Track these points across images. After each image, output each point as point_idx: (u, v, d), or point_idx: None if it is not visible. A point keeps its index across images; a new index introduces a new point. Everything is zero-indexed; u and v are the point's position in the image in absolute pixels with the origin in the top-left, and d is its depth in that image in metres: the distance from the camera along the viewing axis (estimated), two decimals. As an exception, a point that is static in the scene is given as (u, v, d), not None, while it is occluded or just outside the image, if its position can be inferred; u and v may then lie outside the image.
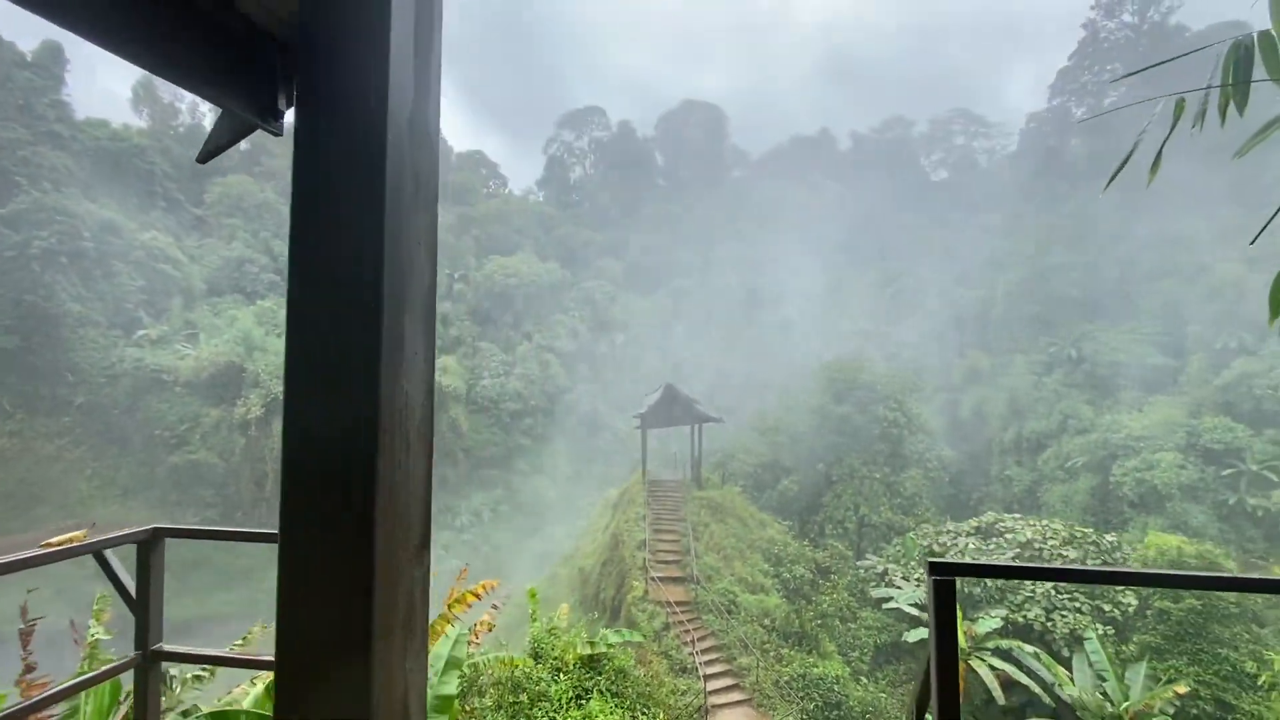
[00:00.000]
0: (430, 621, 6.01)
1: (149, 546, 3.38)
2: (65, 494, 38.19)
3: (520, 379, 56.57)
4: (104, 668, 3.29)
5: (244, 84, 2.01)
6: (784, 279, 76.05)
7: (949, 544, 22.14)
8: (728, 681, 14.73)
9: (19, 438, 38.26)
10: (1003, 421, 45.73)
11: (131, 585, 3.31)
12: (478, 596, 6.00)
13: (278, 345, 45.69)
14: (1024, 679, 16.57)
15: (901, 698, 16.84)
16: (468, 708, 6.45)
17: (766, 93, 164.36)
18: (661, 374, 55.51)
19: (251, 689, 4.57)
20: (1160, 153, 2.43)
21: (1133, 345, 43.78)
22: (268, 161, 66.70)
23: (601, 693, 7.47)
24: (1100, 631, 17.25)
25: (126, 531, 3.28)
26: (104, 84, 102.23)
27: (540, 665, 7.66)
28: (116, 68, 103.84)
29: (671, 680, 13.46)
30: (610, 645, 8.18)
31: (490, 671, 7.11)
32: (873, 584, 21.95)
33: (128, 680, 3.57)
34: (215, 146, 2.28)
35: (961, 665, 17.15)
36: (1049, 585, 18.81)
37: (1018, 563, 19.05)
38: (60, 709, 4.15)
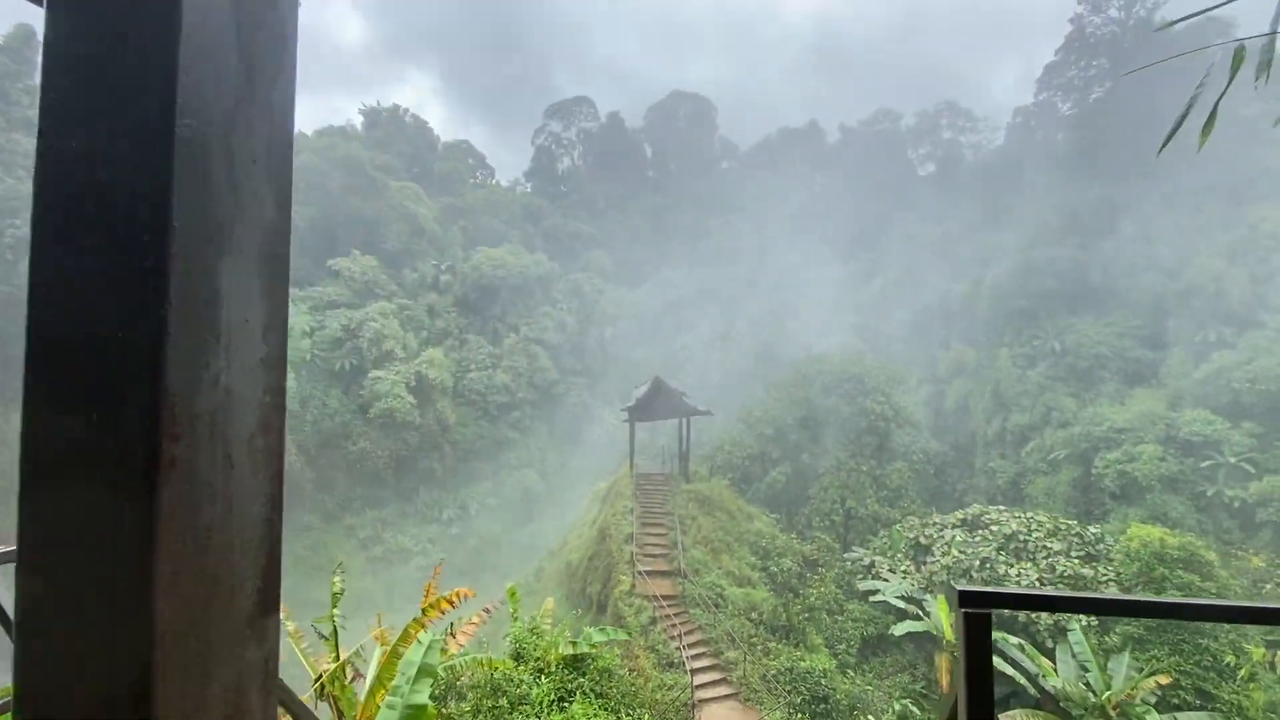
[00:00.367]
0: (404, 626, 5.89)
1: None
2: (42, 489, 37.50)
3: (508, 371, 56.19)
4: None
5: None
6: (771, 271, 76.16)
7: (935, 536, 22.28)
8: (715, 676, 14.71)
9: (-7, 431, 37.46)
10: (987, 414, 46.12)
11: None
12: (452, 604, 5.84)
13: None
14: (1009, 669, 16.71)
15: (889, 690, 16.95)
16: (445, 711, 6.29)
17: (755, 84, 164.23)
18: (650, 367, 55.41)
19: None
20: (1215, 110, 2.28)
21: (1114, 339, 44.29)
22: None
23: (585, 694, 7.32)
24: (1083, 622, 17.43)
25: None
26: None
27: (521, 667, 7.47)
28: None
29: (658, 675, 13.41)
30: (594, 645, 8.00)
31: (469, 674, 6.93)
32: (859, 576, 22.06)
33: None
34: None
35: (947, 657, 17.29)
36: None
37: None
38: None
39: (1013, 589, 1.73)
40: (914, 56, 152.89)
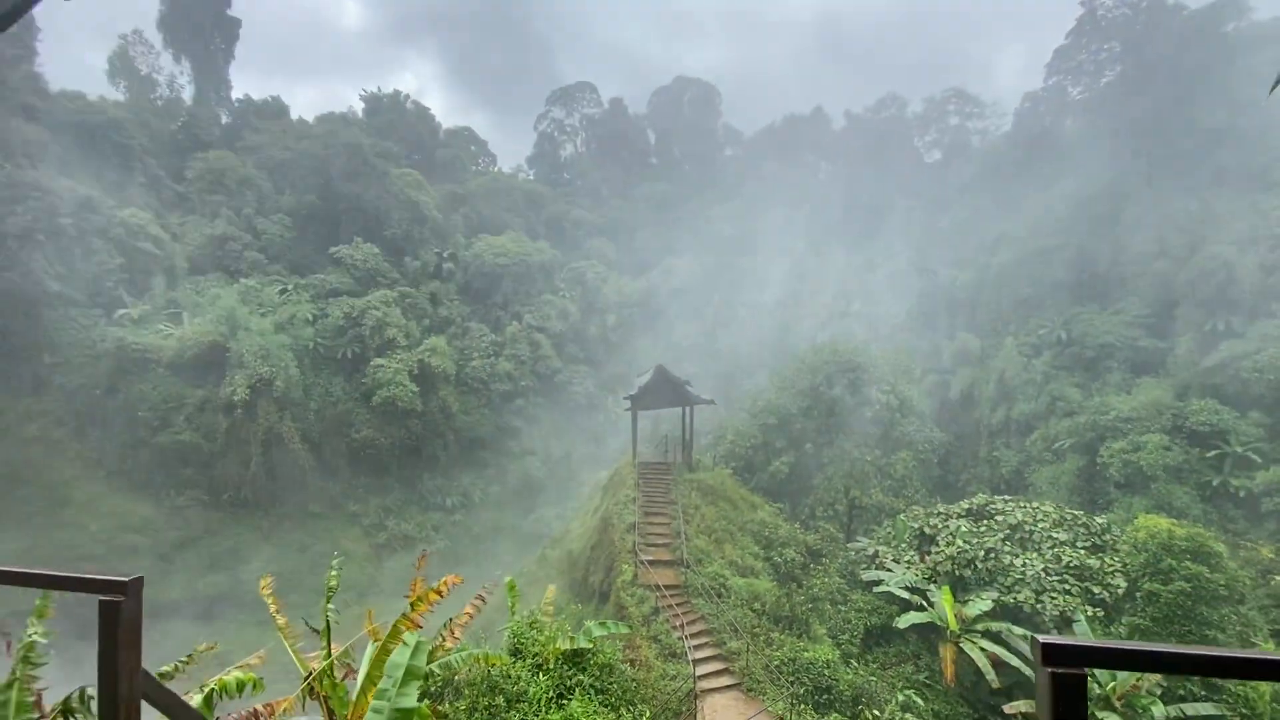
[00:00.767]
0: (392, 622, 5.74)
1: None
2: (49, 475, 37.56)
3: (510, 359, 56.04)
4: None
5: None
6: (776, 260, 75.64)
7: (940, 526, 22.14)
8: (718, 666, 14.64)
9: (-2, 418, 37.53)
10: (991, 403, 45.86)
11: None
12: (440, 594, 5.68)
13: (262, 324, 44.87)
14: (1014, 660, 16.64)
15: (892, 680, 16.88)
16: (441, 709, 6.14)
17: (760, 70, 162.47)
18: (653, 355, 55.22)
19: (191, 700, 4.25)
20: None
21: (1122, 327, 43.88)
22: (250, 137, 65.01)
23: (585, 690, 7.17)
24: (1089, 613, 17.32)
25: None
26: (77, 55, 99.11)
27: (519, 663, 7.31)
28: (91, 38, 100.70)
29: (661, 665, 13.33)
30: (593, 640, 7.83)
31: (465, 671, 6.77)
32: (863, 566, 21.95)
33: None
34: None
35: (952, 648, 17.20)
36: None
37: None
38: None
39: (1112, 643, 1.41)
40: (921, 42, 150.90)
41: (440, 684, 6.75)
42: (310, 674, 5.33)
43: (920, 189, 79.30)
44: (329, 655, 5.69)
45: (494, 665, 6.89)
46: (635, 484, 24.07)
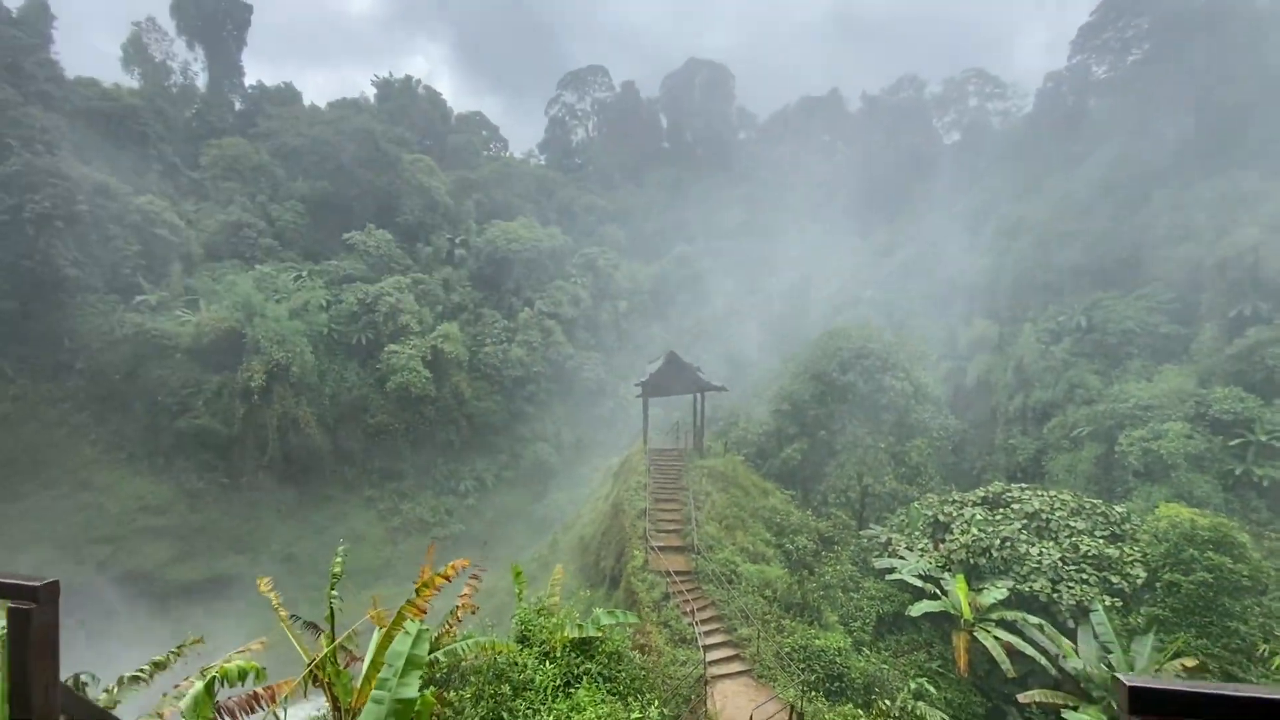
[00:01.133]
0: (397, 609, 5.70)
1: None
2: (70, 459, 38.31)
3: (522, 346, 56.10)
4: None
5: None
6: (790, 244, 74.92)
7: (954, 514, 21.90)
8: (728, 652, 14.62)
9: (22, 402, 38.22)
10: (1008, 390, 45.21)
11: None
12: (447, 579, 5.61)
13: (277, 311, 45.20)
14: (1028, 650, 16.46)
15: (904, 668, 16.78)
16: (447, 696, 6.10)
17: (774, 51, 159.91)
18: (664, 341, 55.05)
19: (191, 688, 4.22)
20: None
21: (1144, 313, 42.91)
22: (263, 123, 65.17)
23: (593, 678, 7.11)
24: (1107, 603, 17.06)
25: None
26: (92, 42, 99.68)
27: (526, 650, 7.26)
28: (104, 24, 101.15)
29: (671, 651, 13.32)
30: (601, 628, 7.76)
31: (471, 658, 6.72)
32: (876, 554, 21.79)
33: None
34: None
35: (965, 636, 17.05)
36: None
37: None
38: None
39: (1211, 686, 1.09)
40: (940, 21, 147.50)
41: (445, 671, 6.72)
42: (313, 660, 5.31)
43: (938, 172, 77.89)
44: (332, 642, 5.66)
45: (501, 653, 6.86)
46: (646, 470, 24.04)
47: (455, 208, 66.15)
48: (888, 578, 20.21)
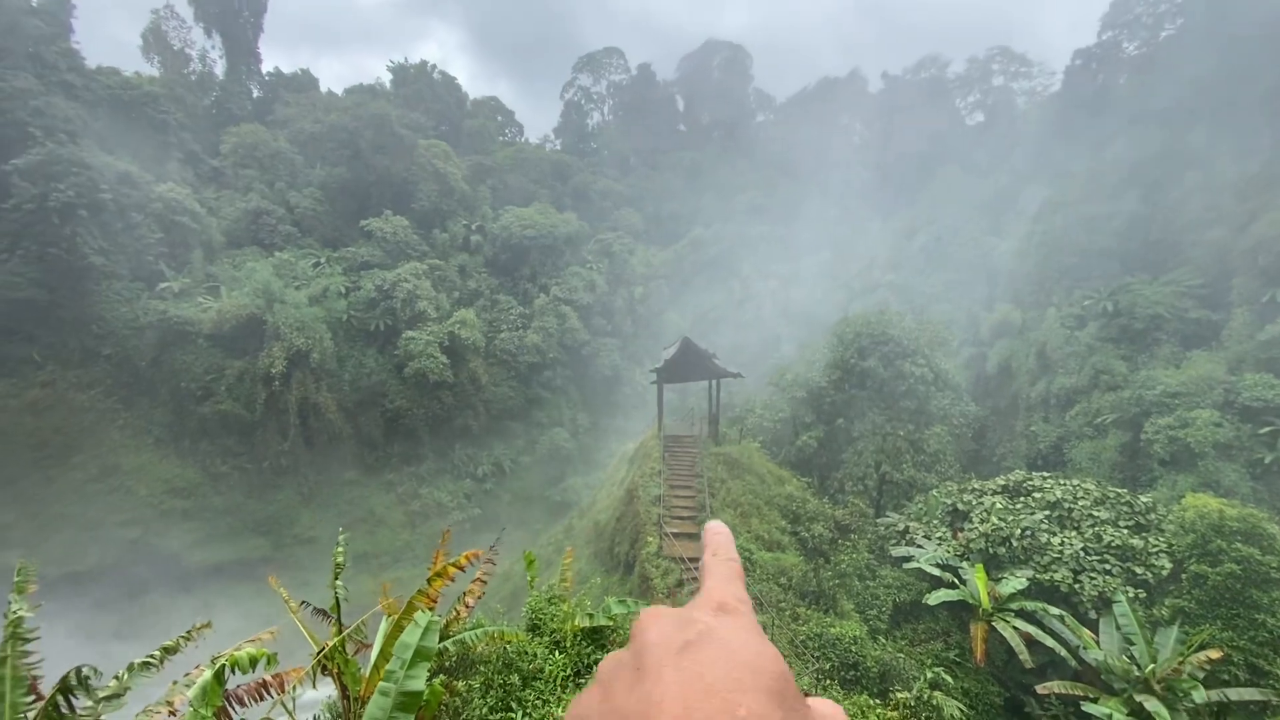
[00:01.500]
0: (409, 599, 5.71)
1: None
2: (99, 443, 39.22)
3: (538, 332, 56.22)
4: None
5: None
6: (808, 228, 73.97)
7: (974, 502, 21.60)
8: (743, 639, 14.57)
9: (51, 388, 39.10)
10: (1031, 376, 44.46)
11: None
12: (460, 568, 5.58)
13: (297, 297, 45.67)
14: (1048, 640, 16.24)
15: (921, 657, 16.65)
16: (456, 686, 6.10)
17: (792, 31, 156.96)
18: (679, 327, 54.82)
19: (200, 676, 4.22)
20: None
21: (1174, 298, 41.78)
22: (281, 110, 65.48)
23: (605, 669, 7.02)
24: (1130, 594, 16.75)
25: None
26: (111, 31, 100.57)
27: (537, 640, 7.23)
28: (122, 13, 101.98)
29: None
30: (612, 616, 7.70)
31: (482, 647, 6.70)
32: (893, 542, 21.60)
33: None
34: None
35: (983, 626, 16.87)
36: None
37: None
38: None
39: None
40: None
41: (455, 660, 6.72)
42: (322, 649, 5.34)
43: (961, 153, 76.23)
44: (339, 631, 5.69)
45: (510, 642, 6.84)
46: (661, 457, 24.00)
47: (471, 194, 66.13)
48: (905, 566, 20.02)
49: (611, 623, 7.49)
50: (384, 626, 5.70)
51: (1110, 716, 13.73)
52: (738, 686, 0.49)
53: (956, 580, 18.65)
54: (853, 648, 14.29)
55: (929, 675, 13.94)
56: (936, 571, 18.93)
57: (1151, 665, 14.89)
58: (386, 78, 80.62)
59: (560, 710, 5.69)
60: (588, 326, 59.51)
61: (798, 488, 23.37)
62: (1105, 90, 64.14)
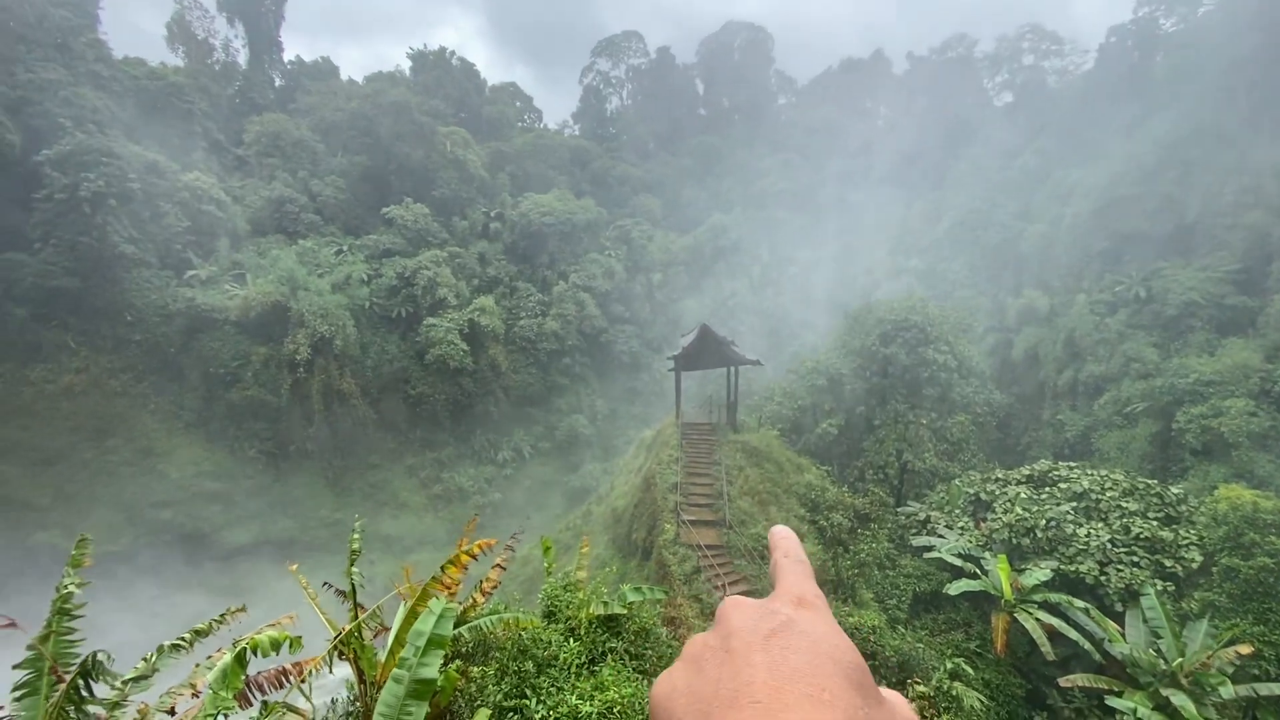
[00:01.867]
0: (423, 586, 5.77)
1: None
2: (132, 427, 40.32)
3: (557, 319, 56.37)
4: None
5: None
6: (830, 213, 72.87)
7: (997, 492, 21.26)
8: (760, 627, 14.56)
9: (86, 374, 40.20)
10: (1058, 364, 43.55)
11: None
12: (474, 557, 5.60)
13: (320, 285, 46.26)
14: (1071, 633, 15.98)
15: (941, 648, 16.51)
16: (471, 672, 6.16)
17: (815, 12, 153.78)
18: (698, 314, 54.53)
19: (221, 659, 4.29)
20: None
21: (1209, 284, 40.44)
22: (303, 98, 66.00)
23: (618, 656, 7.09)
24: (1159, 587, 16.39)
25: None
26: (134, 21, 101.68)
27: (552, 627, 7.26)
28: (145, 3, 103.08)
29: (701, 624, 13.35)
30: (627, 605, 7.70)
31: (499, 633, 6.75)
32: (913, 531, 21.38)
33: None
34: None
35: (1005, 617, 16.66)
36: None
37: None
38: None
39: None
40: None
41: (471, 646, 6.79)
42: (338, 634, 5.42)
43: (988, 135, 74.23)
44: (355, 617, 5.77)
45: (525, 629, 6.88)
46: (679, 444, 23.97)
47: (490, 181, 66.18)
48: (926, 556, 19.82)
49: (626, 611, 7.50)
50: (400, 612, 5.78)
51: (1135, 710, 13.50)
52: (821, 673, 0.53)
53: (978, 571, 18.42)
54: (871, 637, 14.22)
55: (949, 665, 13.82)
56: (958, 561, 18.71)
57: (1179, 659, 14.59)
58: (406, 65, 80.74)
59: (574, 698, 5.73)
60: (606, 313, 59.49)
61: (817, 476, 23.20)
62: (1141, 68, 61.82)
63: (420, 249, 54.66)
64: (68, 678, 4.29)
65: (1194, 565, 17.08)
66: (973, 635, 17.58)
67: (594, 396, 57.07)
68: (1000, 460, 36.13)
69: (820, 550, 18.24)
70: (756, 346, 37.58)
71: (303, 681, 5.04)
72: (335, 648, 5.09)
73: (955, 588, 17.55)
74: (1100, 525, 18.53)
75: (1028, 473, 22.32)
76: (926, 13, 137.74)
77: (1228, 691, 13.79)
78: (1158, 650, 15.24)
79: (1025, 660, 17.03)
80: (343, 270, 49.93)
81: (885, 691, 0.61)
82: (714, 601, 14.83)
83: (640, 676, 6.59)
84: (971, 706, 12.91)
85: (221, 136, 58.38)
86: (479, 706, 5.59)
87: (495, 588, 7.10)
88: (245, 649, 4.24)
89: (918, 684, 12.52)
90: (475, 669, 6.09)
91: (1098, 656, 15.85)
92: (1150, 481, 20.51)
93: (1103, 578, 17.17)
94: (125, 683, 4.84)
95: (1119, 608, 16.77)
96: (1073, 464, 22.97)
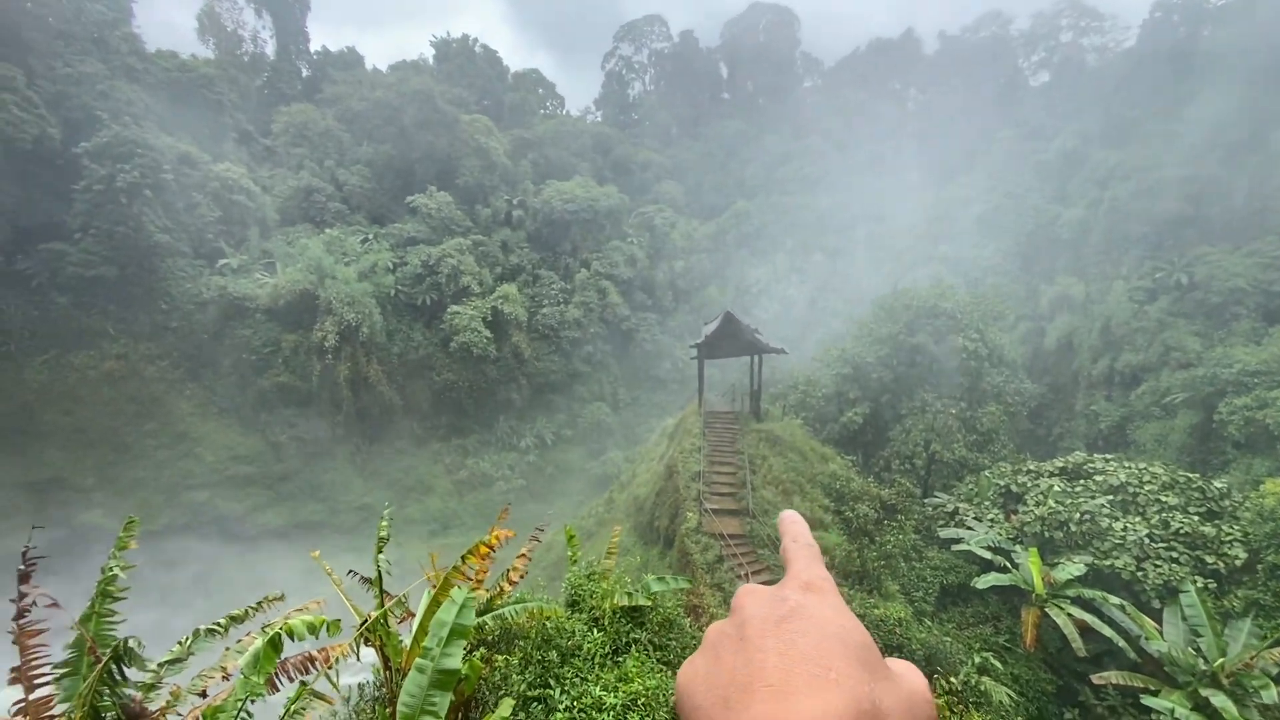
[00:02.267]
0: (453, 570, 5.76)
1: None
2: (169, 412, 41.49)
3: (579, 307, 56.41)
4: None
5: None
6: (858, 198, 71.45)
7: (1029, 484, 20.77)
8: (783, 617, 14.45)
9: (124, 361, 41.42)
10: (1094, 353, 42.34)
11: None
12: (491, 548, 5.59)
13: (347, 273, 46.88)
14: (1105, 630, 15.58)
15: (968, 642, 16.24)
16: (495, 660, 6.18)
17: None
18: (721, 302, 54.10)
19: (252, 643, 4.32)
20: None
21: (1256, 270, 38.86)
22: (328, 88, 66.59)
23: (642, 647, 7.05)
24: (1199, 584, 15.88)
25: None
26: (164, 14, 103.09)
27: (575, 616, 7.26)
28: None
29: (723, 613, 13.28)
30: (650, 596, 7.65)
31: (519, 623, 6.76)
32: (941, 523, 21.02)
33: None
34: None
35: (1036, 612, 16.31)
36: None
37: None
38: None
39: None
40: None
41: (496, 634, 6.82)
42: (364, 620, 5.47)
43: (1023, 116, 72.03)
44: (381, 605, 5.82)
45: (549, 618, 6.90)
46: (701, 433, 23.84)
47: (512, 168, 66.17)
48: (954, 548, 19.48)
49: (650, 602, 7.46)
50: (424, 600, 5.81)
51: (1173, 710, 13.11)
52: (828, 654, 0.58)
53: (1008, 564, 18.04)
54: (896, 629, 14.02)
55: (977, 660, 13.58)
56: (987, 554, 18.34)
57: (1220, 659, 14.14)
58: (430, 53, 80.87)
59: (597, 689, 5.71)
60: (628, 301, 59.34)
61: (841, 466, 22.90)
62: (1186, 44, 59.23)
63: (444, 237, 55.00)
64: (103, 659, 4.39)
65: (1237, 562, 16.50)
66: (1001, 629, 17.26)
67: (616, 384, 57.12)
68: (1031, 451, 35.35)
69: (845, 541, 18.02)
70: (780, 334, 37.14)
71: (330, 668, 5.11)
72: (361, 634, 5.14)
73: (984, 581, 17.22)
74: (1138, 519, 17.99)
75: (1061, 464, 21.75)
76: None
77: (1270, 695, 13.32)
78: (1197, 649, 14.78)
79: (1056, 656, 16.68)
80: (369, 259, 50.51)
81: (894, 663, 0.66)
82: (735, 591, 14.74)
83: (665, 668, 6.56)
84: (1000, 701, 12.69)
85: (250, 127, 59.25)
86: (503, 696, 5.60)
87: (523, 577, 7.11)
88: (280, 633, 4.28)
89: (945, 678, 12.31)
90: (500, 658, 6.12)
91: (1133, 654, 15.44)
92: (1192, 475, 19.84)
93: (1139, 573, 16.70)
94: (160, 665, 4.95)
95: (1156, 604, 16.30)
96: (1108, 456, 22.32)
